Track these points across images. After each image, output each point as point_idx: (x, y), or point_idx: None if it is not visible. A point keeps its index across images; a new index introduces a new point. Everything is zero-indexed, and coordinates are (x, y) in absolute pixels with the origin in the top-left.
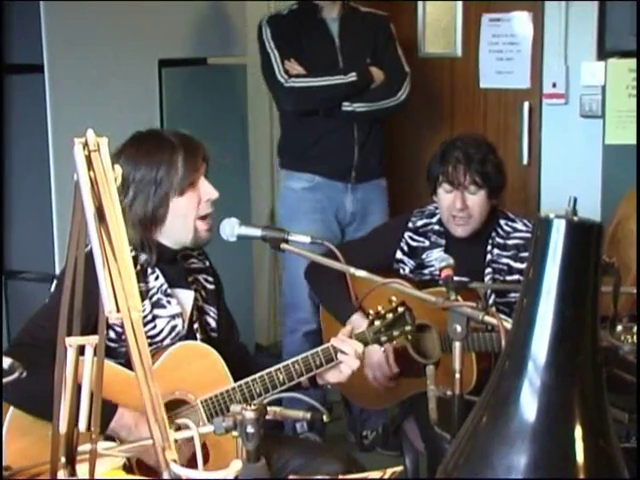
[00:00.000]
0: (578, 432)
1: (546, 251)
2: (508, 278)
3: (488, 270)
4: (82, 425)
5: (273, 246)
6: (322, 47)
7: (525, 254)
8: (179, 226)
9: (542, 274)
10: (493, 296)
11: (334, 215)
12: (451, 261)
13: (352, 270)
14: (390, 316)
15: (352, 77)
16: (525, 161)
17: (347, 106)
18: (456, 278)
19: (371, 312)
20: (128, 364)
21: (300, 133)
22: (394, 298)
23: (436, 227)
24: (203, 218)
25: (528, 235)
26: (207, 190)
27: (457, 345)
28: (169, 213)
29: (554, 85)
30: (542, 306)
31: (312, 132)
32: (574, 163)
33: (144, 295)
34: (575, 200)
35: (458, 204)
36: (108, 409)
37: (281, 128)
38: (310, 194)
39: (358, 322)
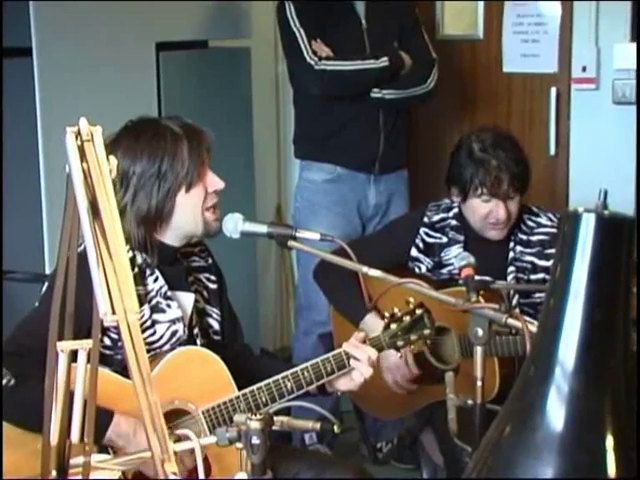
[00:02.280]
0: (609, 443)
1: (574, 248)
2: (532, 277)
3: (511, 269)
4: (75, 436)
5: (280, 244)
6: (348, 28)
7: (550, 251)
8: (187, 221)
9: (570, 273)
10: (517, 297)
11: (356, 209)
12: (472, 259)
13: (365, 269)
14: (407, 319)
15: (384, 62)
16: (552, 152)
17: (376, 93)
18: (477, 277)
19: (387, 314)
20: (123, 372)
21: (322, 121)
22: (412, 299)
23: (453, 222)
24: (210, 208)
25: (553, 230)
26: (213, 181)
27: (479, 350)
28: (175, 209)
29: (584, 69)
30: (570, 308)
31: (335, 120)
32: (606, 154)
33: (143, 299)
34: (606, 193)
35: (502, 215)
36: (104, 417)
37: (297, 115)
38: (331, 186)
39: (372, 324)
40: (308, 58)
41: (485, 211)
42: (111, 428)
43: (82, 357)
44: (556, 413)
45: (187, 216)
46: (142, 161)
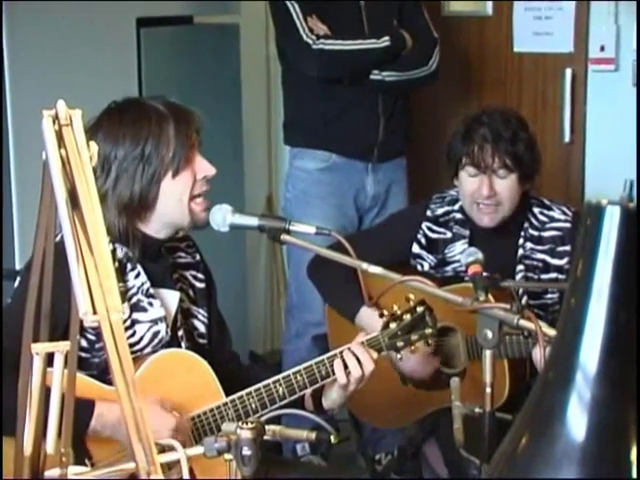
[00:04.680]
0: (634, 454)
1: (597, 244)
2: (544, 277)
3: (520, 267)
4: (50, 446)
5: (272, 237)
6: (345, 5)
7: (564, 248)
8: (172, 210)
9: (592, 271)
10: (525, 297)
11: (353, 200)
12: (480, 256)
13: (365, 266)
14: (408, 317)
15: (386, 42)
16: (567, 138)
17: (376, 75)
18: (485, 274)
19: (385, 313)
20: (100, 377)
21: (316, 105)
22: (412, 296)
23: (458, 216)
24: (198, 197)
25: (567, 225)
26: (203, 166)
27: (488, 354)
28: (160, 195)
29: (602, 49)
30: (592, 308)
31: (331, 104)
32: (625, 140)
33: (123, 296)
34: (632, 184)
35: (485, 190)
36: (85, 407)
37: (287, 98)
38: (326, 176)
39: (368, 318)
40: (305, 36)
41: (472, 187)
42: (94, 419)
43: (59, 360)
44: (577, 422)
45: (173, 205)
46: (124, 144)
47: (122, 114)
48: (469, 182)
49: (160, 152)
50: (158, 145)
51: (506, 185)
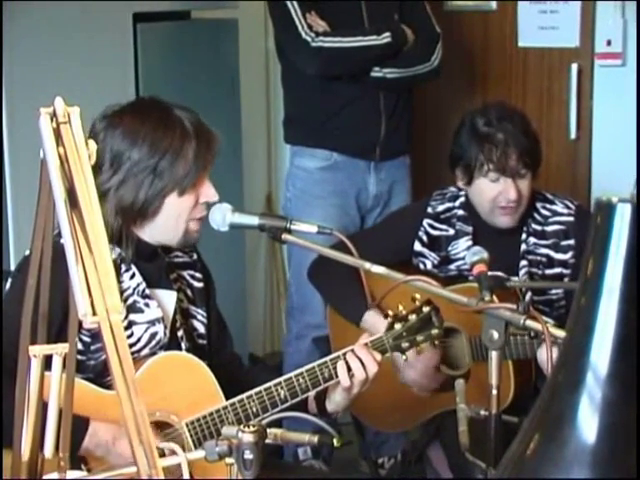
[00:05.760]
0: None
1: (608, 242)
2: (548, 272)
3: (523, 262)
4: (48, 450)
5: (273, 237)
6: (345, 1)
7: (568, 242)
8: (168, 227)
9: (603, 270)
10: (530, 293)
11: (355, 199)
12: (485, 255)
13: (368, 265)
14: (413, 317)
15: (387, 38)
16: (573, 135)
17: (377, 72)
18: (490, 273)
19: (390, 313)
20: (96, 380)
21: (316, 102)
22: (418, 296)
23: (460, 212)
24: (196, 220)
25: (570, 219)
26: (208, 192)
27: (494, 355)
28: (162, 210)
29: (609, 43)
30: (603, 307)
31: (332, 101)
32: (632, 136)
33: None
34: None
35: (512, 194)
36: (79, 425)
37: (287, 95)
38: (328, 175)
39: (373, 322)
40: (303, 34)
41: (494, 193)
42: (88, 437)
43: (57, 363)
44: (588, 424)
45: (171, 221)
46: (142, 149)
47: (146, 115)
48: (490, 188)
49: (174, 170)
50: (174, 162)
51: (526, 184)
